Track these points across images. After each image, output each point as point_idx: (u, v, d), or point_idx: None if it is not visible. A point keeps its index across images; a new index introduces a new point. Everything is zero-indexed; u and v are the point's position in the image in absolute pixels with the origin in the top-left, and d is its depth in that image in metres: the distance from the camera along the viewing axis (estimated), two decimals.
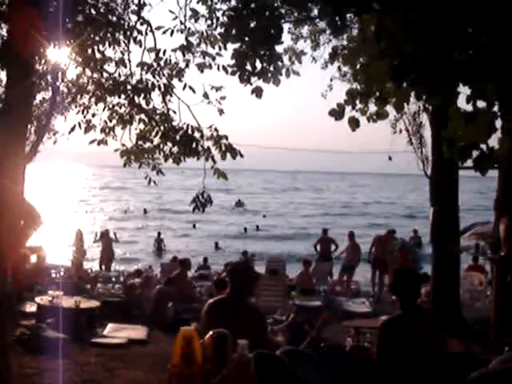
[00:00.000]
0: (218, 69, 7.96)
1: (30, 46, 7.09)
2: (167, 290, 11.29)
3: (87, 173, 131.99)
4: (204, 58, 8.43)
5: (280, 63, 6.33)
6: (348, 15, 5.77)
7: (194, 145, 8.82)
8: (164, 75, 8.86)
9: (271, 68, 6.18)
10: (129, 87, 9.02)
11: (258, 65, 6.10)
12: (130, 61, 9.06)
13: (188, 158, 8.99)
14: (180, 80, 8.91)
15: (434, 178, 11.52)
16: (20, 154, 7.55)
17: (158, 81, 8.80)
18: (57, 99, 11.33)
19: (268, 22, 5.85)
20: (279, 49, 6.80)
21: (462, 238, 15.18)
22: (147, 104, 9.00)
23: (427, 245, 16.33)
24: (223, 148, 8.76)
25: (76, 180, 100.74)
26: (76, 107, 10.45)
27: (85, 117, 9.32)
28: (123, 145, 9.37)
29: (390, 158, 12.69)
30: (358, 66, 5.68)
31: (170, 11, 8.36)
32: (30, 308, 10.06)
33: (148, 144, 9.33)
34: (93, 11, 8.53)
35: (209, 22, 8.27)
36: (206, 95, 8.71)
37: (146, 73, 8.75)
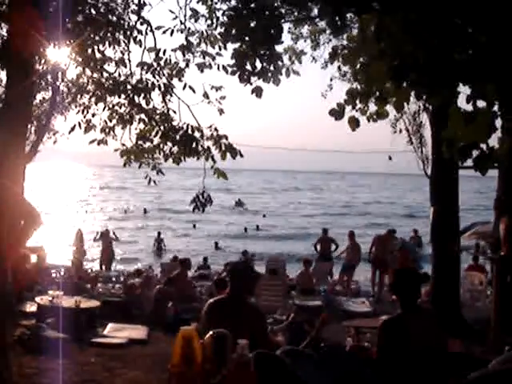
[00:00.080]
0: (218, 69, 7.96)
1: (30, 45, 7.09)
2: (167, 290, 11.29)
3: (87, 172, 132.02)
4: (204, 57, 8.44)
5: (280, 63, 6.33)
6: (348, 15, 5.78)
7: (193, 144, 8.82)
8: (164, 75, 8.86)
9: (271, 68, 6.18)
10: (129, 87, 9.02)
11: (258, 64, 6.10)
12: (130, 60, 9.07)
13: (188, 157, 8.99)
14: (180, 80, 8.91)
15: (434, 177, 11.51)
16: (20, 153, 7.55)
17: (158, 80, 8.80)
18: (57, 99, 11.33)
19: (268, 21, 5.84)
20: (279, 48, 6.81)
21: (462, 238, 15.17)
22: (147, 104, 9.00)
23: (427, 244, 16.33)
24: (223, 148, 8.76)
25: (76, 180, 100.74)
26: (76, 107, 10.45)
27: (85, 117, 9.33)
28: (123, 144, 9.37)
29: (390, 158, 12.70)
30: (358, 66, 5.68)
31: (170, 11, 8.37)
32: (30, 308, 10.06)
33: (148, 144, 9.33)
34: (93, 11, 8.53)
35: (209, 21, 8.27)
36: (205, 95, 8.71)
37: (146, 72, 8.75)
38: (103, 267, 20.50)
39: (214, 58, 8.40)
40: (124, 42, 8.73)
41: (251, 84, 6.20)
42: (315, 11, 7.75)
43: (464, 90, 4.35)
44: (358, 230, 23.56)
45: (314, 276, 15.58)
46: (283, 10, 6.76)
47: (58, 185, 77.28)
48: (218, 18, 8.00)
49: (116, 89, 9.09)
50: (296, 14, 8.18)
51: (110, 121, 9.36)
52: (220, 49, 8.30)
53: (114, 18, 8.66)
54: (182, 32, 8.44)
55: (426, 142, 14.05)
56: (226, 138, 8.82)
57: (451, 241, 11.23)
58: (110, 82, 9.24)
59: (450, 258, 11.16)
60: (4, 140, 7.23)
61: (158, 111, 9.21)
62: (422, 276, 5.05)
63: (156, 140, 9.23)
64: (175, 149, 9.09)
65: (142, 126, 9.29)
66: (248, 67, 6.10)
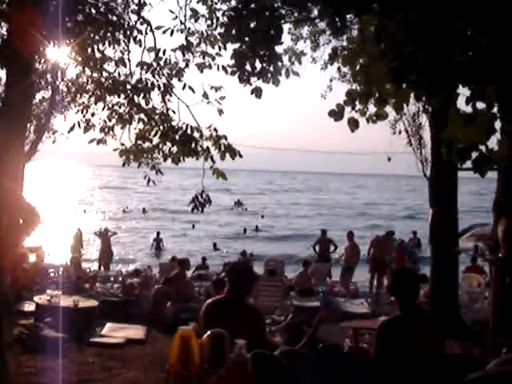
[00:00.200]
0: (218, 69, 7.96)
1: (29, 45, 7.10)
2: (166, 290, 11.28)
3: (86, 172, 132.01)
4: (204, 57, 8.44)
5: (280, 63, 6.33)
6: (348, 16, 5.77)
7: (193, 145, 8.83)
8: (164, 75, 8.87)
9: (271, 68, 6.18)
10: (128, 87, 9.03)
11: (258, 65, 6.10)
12: (129, 60, 9.08)
13: (187, 157, 8.99)
14: (179, 80, 8.92)
15: (434, 179, 11.51)
16: (19, 152, 7.55)
17: (157, 80, 8.81)
18: (56, 98, 11.35)
19: (268, 22, 5.84)
20: (279, 49, 6.81)
21: (461, 240, 15.15)
22: (147, 104, 9.01)
23: (427, 245, 16.34)
24: (222, 148, 8.77)
25: (75, 179, 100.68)
26: (75, 106, 10.49)
27: (84, 116, 9.34)
28: (122, 144, 9.37)
29: (389, 159, 12.70)
30: (358, 67, 5.68)
31: (170, 11, 8.38)
32: (29, 307, 10.04)
33: (147, 144, 9.33)
34: (93, 10, 8.54)
35: (209, 22, 8.29)
36: (205, 95, 8.71)
37: (146, 72, 8.76)
38: (102, 267, 20.50)
39: (213, 59, 8.41)
40: (124, 41, 8.73)
41: (251, 84, 6.20)
42: (315, 12, 7.75)
43: (463, 92, 4.36)
44: (358, 231, 23.48)
45: (313, 277, 15.58)
46: (283, 11, 6.75)
47: (57, 184, 77.22)
48: (217, 19, 8.01)
49: (115, 88, 9.09)
50: (296, 14, 8.18)
51: (110, 120, 9.36)
52: (220, 49, 8.31)
53: (114, 18, 8.66)
54: (181, 32, 8.45)
55: (426, 144, 14.05)
56: (226, 139, 8.82)
57: (450, 242, 11.24)
58: (110, 81, 9.25)
59: (448, 259, 11.16)
60: (3, 139, 7.23)
61: (157, 111, 9.22)
62: (420, 276, 5.02)
63: (155, 140, 9.24)
64: (174, 149, 9.09)
65: (141, 125, 9.30)
66: (248, 68, 6.10)
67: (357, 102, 5.49)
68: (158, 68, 8.74)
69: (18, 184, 6.96)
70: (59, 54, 8.77)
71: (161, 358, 7.17)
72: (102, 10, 8.65)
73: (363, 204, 75.87)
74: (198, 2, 8.03)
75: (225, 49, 8.01)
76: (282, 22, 6.47)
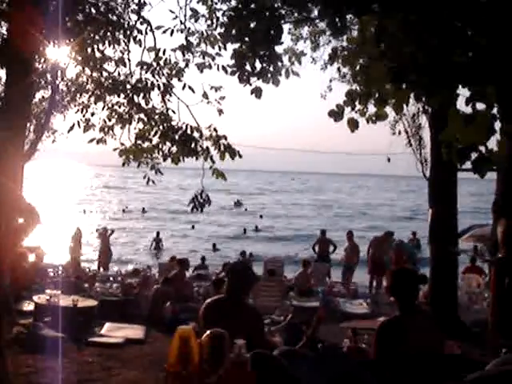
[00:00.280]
0: (218, 69, 7.97)
1: (29, 44, 7.10)
2: (165, 290, 11.27)
3: (86, 172, 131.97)
4: (204, 57, 8.45)
5: (280, 64, 6.33)
6: (348, 16, 5.77)
7: (192, 145, 8.83)
8: (163, 75, 8.87)
9: (271, 68, 6.18)
10: (128, 86, 9.03)
11: (258, 65, 6.10)
12: (129, 60, 9.09)
13: (187, 157, 8.99)
14: (179, 80, 8.93)
15: (433, 179, 11.51)
16: (19, 152, 7.56)
17: (157, 80, 8.82)
18: (56, 98, 11.34)
19: (268, 22, 5.84)
20: (279, 49, 6.79)
21: (461, 241, 15.15)
22: (146, 103, 9.01)
23: (427, 246, 16.33)
24: (222, 148, 8.77)
25: (75, 179, 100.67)
26: (75, 106, 10.49)
27: (84, 116, 9.34)
28: (122, 144, 9.37)
29: (389, 160, 12.70)
30: (358, 67, 5.68)
31: (170, 11, 8.39)
32: (28, 307, 10.05)
33: (147, 143, 9.34)
34: (93, 10, 8.55)
35: (209, 21, 8.30)
36: (205, 95, 8.71)
37: (146, 72, 8.76)
38: (101, 267, 20.48)
39: (213, 58, 8.42)
40: (124, 41, 8.74)
41: (251, 84, 6.20)
42: (315, 12, 7.74)
43: (463, 92, 4.36)
44: (357, 231, 23.46)
45: (312, 277, 15.58)
46: (283, 11, 6.75)
47: (56, 184, 77.20)
48: (217, 19, 8.02)
49: (115, 88, 9.10)
50: (296, 14, 8.17)
51: (109, 120, 9.37)
52: (220, 49, 8.32)
53: (114, 18, 8.67)
54: (181, 32, 8.46)
55: (425, 144, 14.07)
56: (225, 139, 8.82)
57: (449, 243, 11.23)
58: (110, 81, 9.26)
59: (448, 260, 11.16)
60: (3, 138, 7.22)
61: (157, 111, 9.23)
62: (420, 277, 5.02)
63: (155, 140, 9.24)
64: (174, 149, 9.10)
65: (141, 125, 9.30)
66: (248, 68, 6.10)
67: (357, 103, 5.49)
68: (157, 68, 8.74)
69: (17, 183, 6.96)
70: (59, 54, 8.78)
71: (160, 357, 7.16)
72: (102, 9, 8.66)
73: (363, 204, 75.86)
74: (198, 2, 8.04)
75: (225, 49, 8.01)
76: (282, 22, 6.47)
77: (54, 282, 12.98)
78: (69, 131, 9.27)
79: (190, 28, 8.50)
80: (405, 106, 5.69)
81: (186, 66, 8.74)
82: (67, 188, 75.42)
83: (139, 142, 9.34)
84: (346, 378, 3.88)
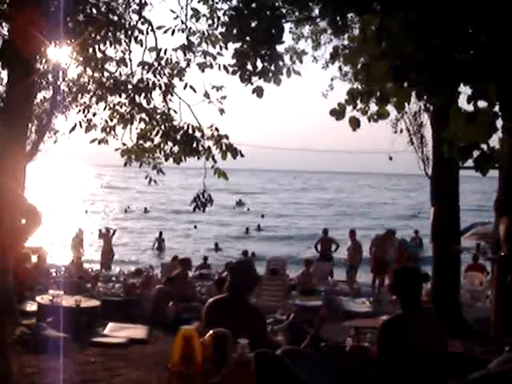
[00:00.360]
0: (219, 68, 7.97)
1: (31, 45, 7.10)
2: (168, 290, 11.28)
3: (88, 172, 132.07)
4: (205, 57, 8.45)
5: (281, 63, 6.33)
6: (349, 15, 5.77)
7: (194, 144, 8.83)
8: (165, 74, 8.88)
9: (272, 68, 6.19)
10: (130, 86, 9.04)
11: (259, 64, 6.11)
12: (130, 60, 9.10)
13: (188, 157, 9.00)
14: (181, 79, 8.93)
15: (435, 177, 11.50)
16: (21, 152, 7.56)
17: (158, 80, 8.82)
18: (57, 98, 11.33)
19: (269, 21, 5.85)
20: (280, 48, 6.80)
21: (463, 239, 15.14)
22: (148, 103, 9.02)
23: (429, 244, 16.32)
24: (224, 148, 8.77)
25: (77, 179, 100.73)
26: (77, 106, 10.48)
27: (85, 116, 9.34)
28: (124, 144, 9.38)
29: (391, 158, 12.69)
30: (359, 66, 5.67)
31: (171, 10, 8.40)
32: (31, 307, 10.06)
33: (149, 143, 9.34)
34: (94, 10, 8.56)
35: (210, 21, 8.29)
36: (206, 95, 8.71)
37: (147, 72, 8.77)
38: (103, 267, 20.49)
39: (214, 58, 8.42)
40: (125, 41, 8.75)
41: (252, 84, 6.21)
42: (316, 11, 7.74)
43: (465, 90, 4.35)
44: (360, 230, 23.44)
45: (315, 276, 15.58)
46: (284, 10, 6.76)
47: (58, 184, 77.26)
48: (219, 18, 8.02)
49: (117, 88, 9.10)
50: (297, 13, 8.19)
51: (111, 120, 9.37)
52: (221, 48, 8.32)
53: (115, 18, 8.68)
54: (182, 32, 8.46)
55: (427, 142, 14.08)
56: (227, 138, 8.82)
57: (452, 241, 11.22)
58: (111, 81, 9.26)
59: (450, 258, 11.16)
60: (5, 139, 7.24)
61: (158, 111, 9.23)
62: (422, 275, 5.01)
63: (157, 139, 9.25)
64: (176, 148, 9.10)
65: (142, 125, 9.31)
66: (249, 67, 6.11)
67: (358, 101, 5.48)
68: (159, 68, 8.74)
69: (19, 184, 6.96)
70: (60, 54, 8.78)
71: (163, 357, 7.15)
72: (102, 9, 8.67)
73: (365, 203, 75.79)
74: (199, 2, 8.05)
75: (226, 48, 8.01)
76: (283, 21, 6.48)
77: (57, 282, 13.00)
78: (70, 132, 9.28)
79: (191, 28, 8.51)
80: (406, 104, 5.69)
81: (188, 65, 8.74)
82: (69, 188, 75.46)
83: (141, 141, 9.34)
84: (349, 377, 3.87)
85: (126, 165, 9.46)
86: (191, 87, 8.56)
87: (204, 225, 44.61)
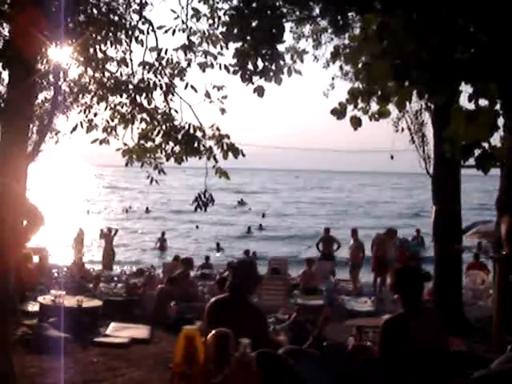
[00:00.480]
0: (220, 68, 7.97)
1: (31, 45, 7.11)
2: (169, 290, 11.28)
3: (89, 172, 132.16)
4: (206, 57, 8.45)
5: (282, 62, 6.33)
6: (350, 14, 5.77)
7: (195, 144, 8.83)
8: (166, 74, 8.88)
9: (273, 67, 6.19)
10: (130, 86, 9.04)
11: (260, 64, 6.12)
12: (131, 60, 9.10)
13: (190, 157, 8.99)
14: (182, 79, 8.93)
15: (437, 176, 11.49)
16: (22, 153, 7.56)
17: (159, 80, 8.82)
18: (59, 99, 11.35)
19: (270, 21, 5.85)
20: (281, 48, 6.80)
21: (465, 237, 15.13)
22: (149, 103, 9.01)
23: (430, 243, 16.31)
24: (225, 147, 8.76)
25: (78, 179, 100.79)
26: (78, 107, 10.49)
27: (87, 116, 9.35)
28: (125, 144, 9.38)
29: (392, 157, 12.69)
30: (360, 65, 5.67)
31: (172, 10, 8.39)
32: (33, 307, 10.07)
33: (150, 143, 9.34)
34: (94, 11, 8.56)
35: (210, 21, 8.30)
36: (207, 94, 8.71)
37: (148, 72, 8.77)
38: (105, 267, 20.50)
39: (215, 58, 8.41)
40: (126, 41, 8.75)
41: (253, 83, 6.21)
42: (317, 10, 7.76)
43: (466, 89, 4.35)
44: (361, 229, 23.41)
45: (316, 275, 15.57)
46: (285, 10, 6.76)
47: (59, 184, 77.30)
48: (219, 18, 8.02)
49: (118, 88, 9.10)
50: (298, 13, 8.19)
51: (112, 120, 9.37)
52: (222, 48, 8.31)
53: (116, 18, 8.68)
54: (183, 31, 8.46)
55: (428, 141, 14.07)
56: (228, 138, 8.82)
57: (453, 240, 11.22)
58: (112, 81, 9.26)
59: (452, 256, 11.15)
60: (6, 139, 7.24)
61: (159, 111, 9.23)
62: (424, 274, 5.01)
63: (158, 139, 9.24)
64: (177, 148, 9.09)
65: (143, 125, 9.30)
66: (250, 66, 6.11)
67: (359, 100, 5.47)
68: (160, 68, 8.75)
69: (21, 185, 6.97)
70: (61, 55, 8.78)
71: (165, 357, 7.18)
72: (103, 10, 8.67)
73: (367, 202, 75.75)
74: (199, 2, 8.06)
75: (227, 48, 8.01)
76: (284, 20, 6.48)
77: (59, 282, 13.01)
78: (72, 132, 9.29)
79: (191, 27, 8.51)
80: (407, 103, 5.69)
81: (188, 65, 8.74)
82: (71, 188, 75.48)
83: (142, 141, 9.34)
84: (351, 377, 3.87)
85: (127, 165, 9.46)
86: (192, 87, 8.56)
87: (206, 224, 44.60)
